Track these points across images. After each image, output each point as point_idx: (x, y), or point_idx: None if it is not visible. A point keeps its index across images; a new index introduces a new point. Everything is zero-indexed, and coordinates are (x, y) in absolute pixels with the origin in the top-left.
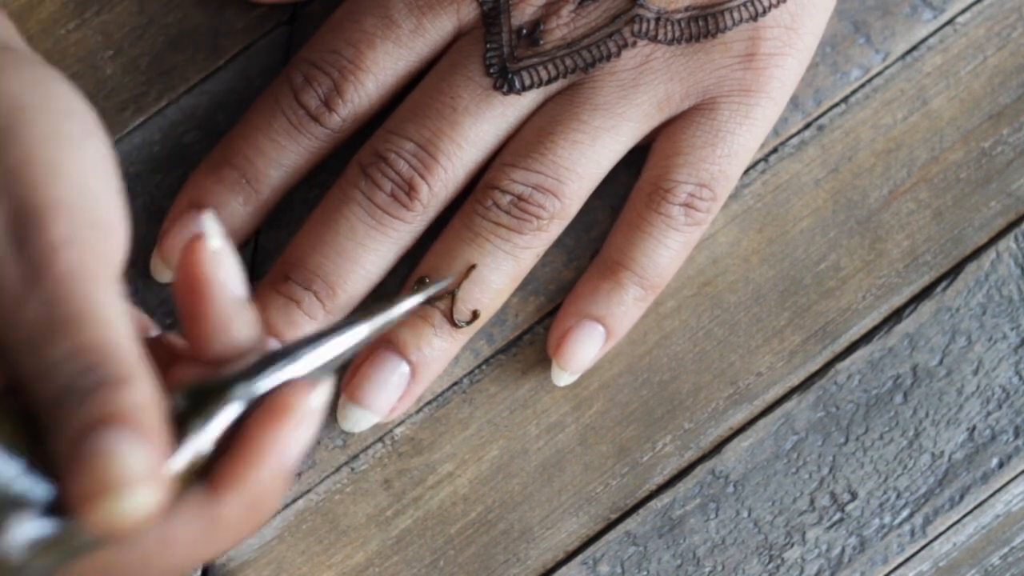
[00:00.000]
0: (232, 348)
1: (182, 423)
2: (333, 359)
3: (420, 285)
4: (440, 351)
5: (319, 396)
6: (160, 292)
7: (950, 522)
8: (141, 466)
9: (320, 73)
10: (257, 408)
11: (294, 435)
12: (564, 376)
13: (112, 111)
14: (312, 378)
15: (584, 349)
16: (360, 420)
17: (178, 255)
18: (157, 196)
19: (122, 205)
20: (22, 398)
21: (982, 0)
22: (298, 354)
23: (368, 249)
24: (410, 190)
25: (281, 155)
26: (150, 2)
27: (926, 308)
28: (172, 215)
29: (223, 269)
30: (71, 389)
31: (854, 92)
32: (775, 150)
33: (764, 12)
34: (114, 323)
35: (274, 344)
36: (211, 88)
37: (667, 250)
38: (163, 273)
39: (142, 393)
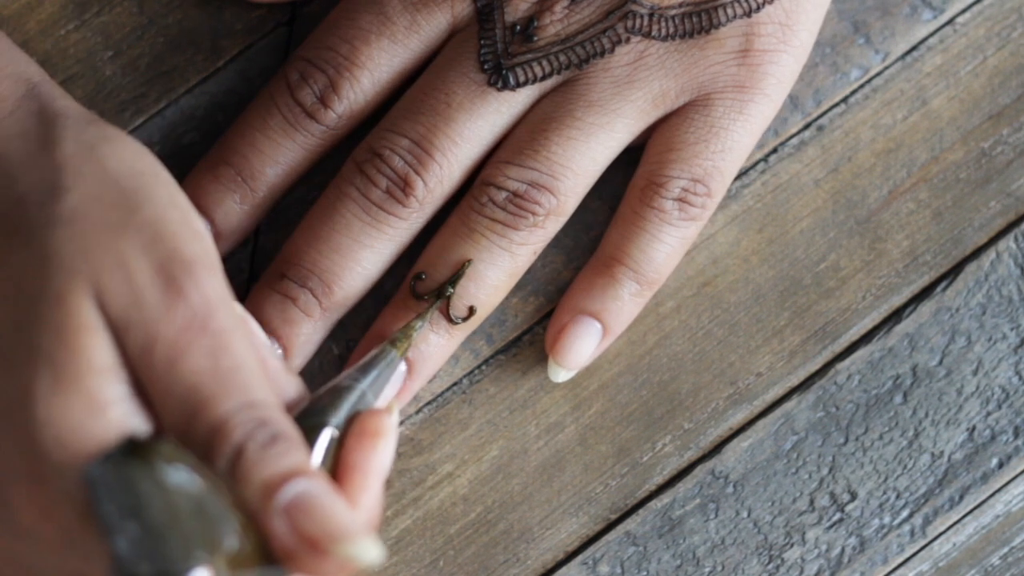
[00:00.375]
0: (288, 403)
1: None
2: (380, 386)
3: (418, 282)
4: (437, 348)
5: (395, 415)
6: None
7: (950, 522)
8: (348, 513)
9: (316, 70)
10: (344, 439)
11: (388, 450)
12: (561, 372)
13: (112, 112)
14: (373, 403)
15: (581, 345)
16: None
17: None
18: None
19: None
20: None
21: (982, 0)
22: (350, 388)
23: (364, 246)
24: (406, 186)
25: (278, 153)
26: (150, 3)
27: (926, 308)
28: None
29: (256, 328)
30: (252, 440)
31: (854, 92)
32: (775, 150)
33: (758, 8)
34: (263, 379)
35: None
36: (210, 89)
37: (662, 245)
38: None
39: (303, 446)
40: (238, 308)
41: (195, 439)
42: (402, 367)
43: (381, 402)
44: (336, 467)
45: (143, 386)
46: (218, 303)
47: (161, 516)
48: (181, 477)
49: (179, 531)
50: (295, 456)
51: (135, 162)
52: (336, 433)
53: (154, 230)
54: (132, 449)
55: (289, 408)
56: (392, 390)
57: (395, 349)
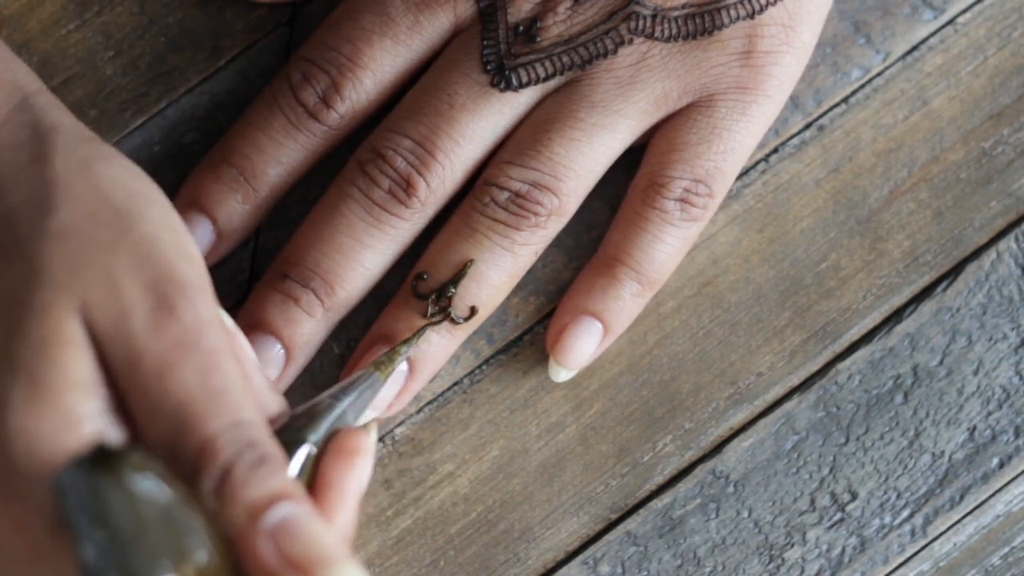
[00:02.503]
0: (270, 419)
1: None
2: (361, 407)
3: (420, 282)
4: (438, 348)
5: (374, 435)
6: None
7: (950, 522)
8: (333, 537)
9: (318, 71)
10: (322, 456)
11: (365, 469)
12: (562, 372)
13: (112, 112)
14: (352, 423)
15: (581, 345)
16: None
17: None
18: None
19: None
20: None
21: (983, 0)
22: (331, 407)
23: (366, 246)
24: (408, 187)
25: (280, 153)
26: (150, 3)
27: (926, 308)
28: None
29: (244, 343)
30: (240, 461)
31: (854, 92)
32: (775, 150)
33: (761, 10)
34: (251, 399)
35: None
36: (211, 89)
37: (664, 245)
38: None
39: (287, 467)
40: (229, 323)
41: (182, 457)
42: (403, 367)
43: (374, 409)
44: (312, 484)
45: (126, 403)
46: (209, 324)
47: (128, 524)
48: (150, 486)
49: (146, 540)
50: (281, 478)
51: (129, 182)
52: (313, 450)
53: (147, 249)
54: (101, 457)
55: (270, 424)
56: (393, 390)
57: (378, 372)
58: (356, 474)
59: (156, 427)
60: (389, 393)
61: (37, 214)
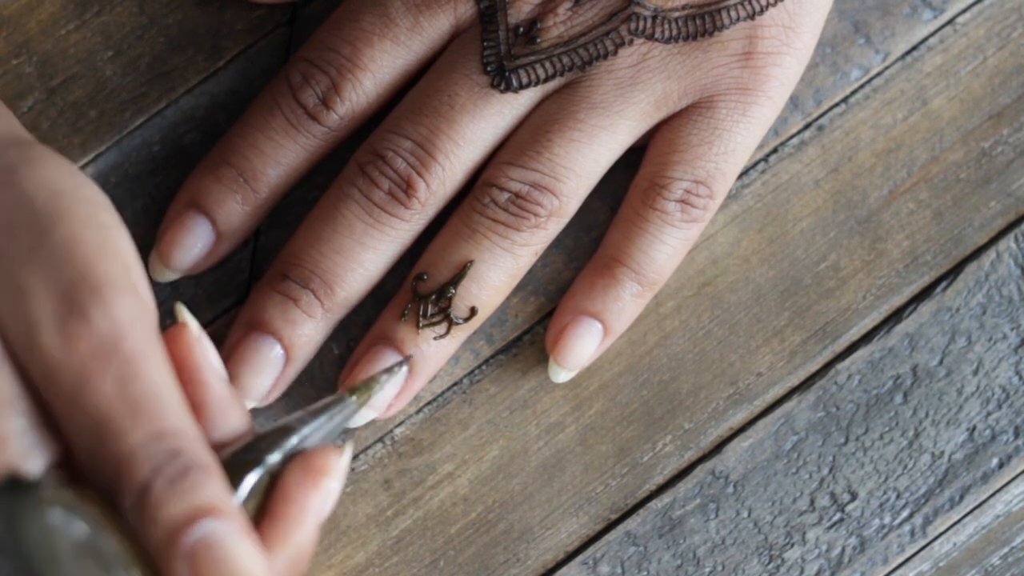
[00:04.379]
0: (229, 436)
1: None
2: (332, 431)
3: (419, 282)
4: (438, 348)
5: (347, 457)
6: (164, 297)
7: (950, 522)
8: (258, 563)
9: (318, 71)
10: (281, 475)
11: (331, 490)
12: (562, 373)
13: (112, 112)
14: (319, 445)
15: (581, 345)
16: (357, 416)
17: (176, 255)
18: (157, 197)
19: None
20: (76, 466)
21: (982, 0)
22: (296, 429)
23: (366, 247)
24: (408, 188)
25: (279, 154)
26: (150, 3)
27: (926, 308)
28: (170, 215)
29: (208, 353)
30: (160, 476)
31: (854, 92)
32: (775, 150)
33: (762, 11)
34: (181, 405)
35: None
36: (211, 89)
37: (664, 246)
38: (162, 273)
39: (220, 479)
40: (194, 328)
41: (103, 472)
42: (404, 369)
43: (374, 410)
44: (265, 508)
45: (53, 417)
46: (128, 326)
47: (38, 557)
48: (61, 519)
49: (56, 574)
50: (208, 490)
51: (56, 182)
52: (269, 472)
53: (64, 252)
54: (11, 488)
55: (230, 441)
56: (392, 391)
57: (353, 397)
58: (320, 493)
59: (79, 442)
60: (389, 394)
61: None
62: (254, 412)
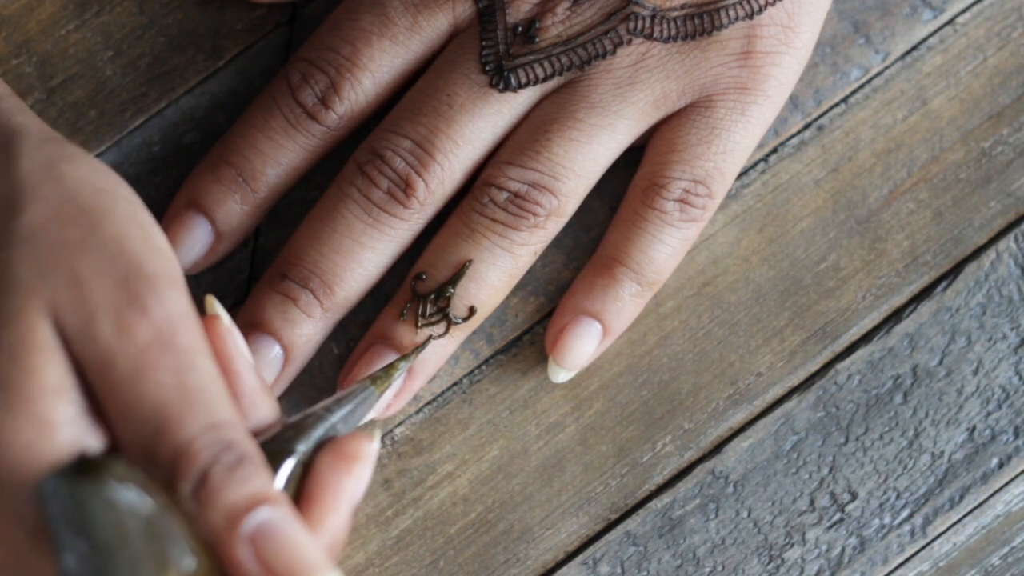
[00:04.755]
0: (261, 425)
1: None
2: (356, 420)
3: (418, 282)
4: (437, 348)
5: (376, 442)
6: None
7: (950, 522)
8: (315, 547)
9: (317, 71)
10: (314, 463)
11: (364, 476)
12: (561, 373)
13: (112, 112)
14: (347, 432)
15: (581, 345)
16: None
17: (182, 254)
18: (157, 197)
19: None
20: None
21: (982, 0)
22: (323, 418)
23: (365, 247)
24: (407, 188)
25: (279, 153)
26: (150, 3)
27: (926, 308)
28: (170, 214)
29: (239, 343)
30: (218, 464)
31: (854, 92)
32: (775, 150)
33: (760, 10)
34: (229, 398)
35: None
36: (211, 89)
37: (663, 246)
38: None
39: (267, 469)
40: (226, 320)
41: (159, 460)
42: (420, 353)
43: (372, 410)
44: (299, 495)
45: (102, 406)
46: (182, 320)
47: (109, 535)
48: (131, 497)
49: (127, 550)
50: (260, 481)
51: (95, 180)
52: (301, 461)
53: (115, 247)
54: (83, 467)
55: (261, 431)
56: (391, 391)
57: (374, 387)
58: (353, 480)
59: (132, 430)
60: (388, 394)
61: (4, 218)
62: None
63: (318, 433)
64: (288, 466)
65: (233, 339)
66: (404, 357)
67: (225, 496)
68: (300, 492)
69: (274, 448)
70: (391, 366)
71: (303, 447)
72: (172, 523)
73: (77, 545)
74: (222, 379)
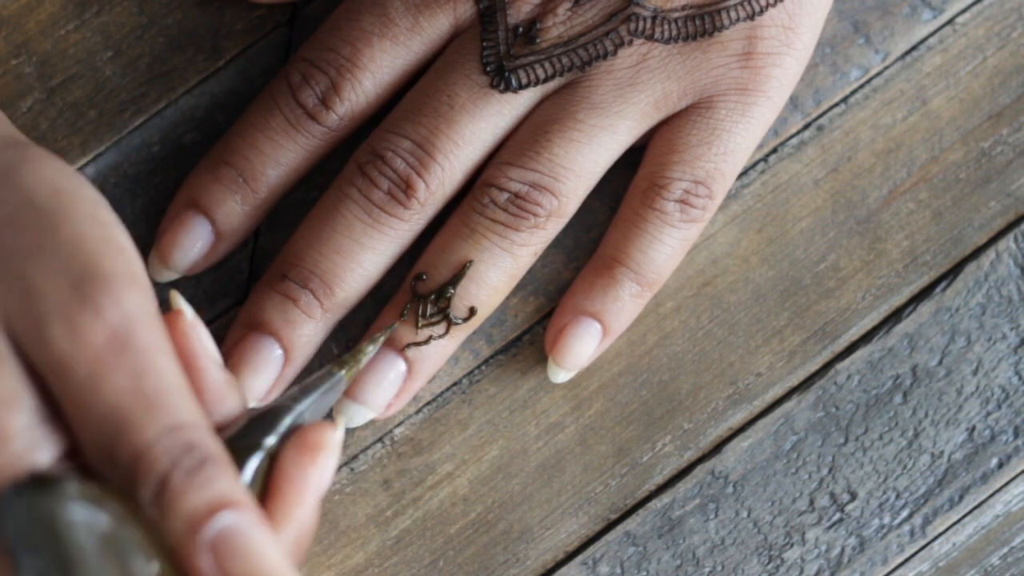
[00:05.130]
0: (226, 419)
1: None
2: (323, 407)
3: (419, 282)
4: (437, 348)
5: (341, 431)
6: (164, 298)
7: (950, 522)
8: (277, 553)
9: (317, 72)
10: (279, 455)
11: (328, 466)
12: (561, 373)
13: (111, 112)
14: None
15: (580, 346)
16: (356, 416)
17: (176, 255)
18: (156, 197)
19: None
20: (82, 460)
21: (982, 0)
22: (290, 408)
23: (366, 247)
24: (407, 188)
25: (279, 154)
26: (150, 3)
27: (925, 308)
28: (170, 215)
29: (203, 339)
30: (178, 468)
31: (854, 92)
32: (774, 150)
33: (761, 11)
34: (191, 397)
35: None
36: (210, 89)
37: (663, 246)
38: (161, 273)
39: (232, 469)
40: (188, 314)
41: (118, 465)
42: (401, 367)
43: (372, 410)
44: (267, 489)
45: (61, 411)
46: (140, 320)
47: (66, 553)
48: (86, 514)
49: (86, 567)
50: (223, 483)
51: (55, 181)
52: (269, 454)
53: (71, 248)
54: (37, 484)
55: (227, 425)
56: (391, 391)
57: (342, 371)
58: (318, 470)
59: (91, 435)
60: (388, 394)
61: None
62: None
63: (285, 424)
64: (255, 462)
65: (197, 334)
66: (372, 340)
67: (185, 502)
68: (265, 491)
69: (240, 444)
70: (358, 350)
71: (270, 440)
72: (131, 535)
73: (36, 563)
74: (184, 378)
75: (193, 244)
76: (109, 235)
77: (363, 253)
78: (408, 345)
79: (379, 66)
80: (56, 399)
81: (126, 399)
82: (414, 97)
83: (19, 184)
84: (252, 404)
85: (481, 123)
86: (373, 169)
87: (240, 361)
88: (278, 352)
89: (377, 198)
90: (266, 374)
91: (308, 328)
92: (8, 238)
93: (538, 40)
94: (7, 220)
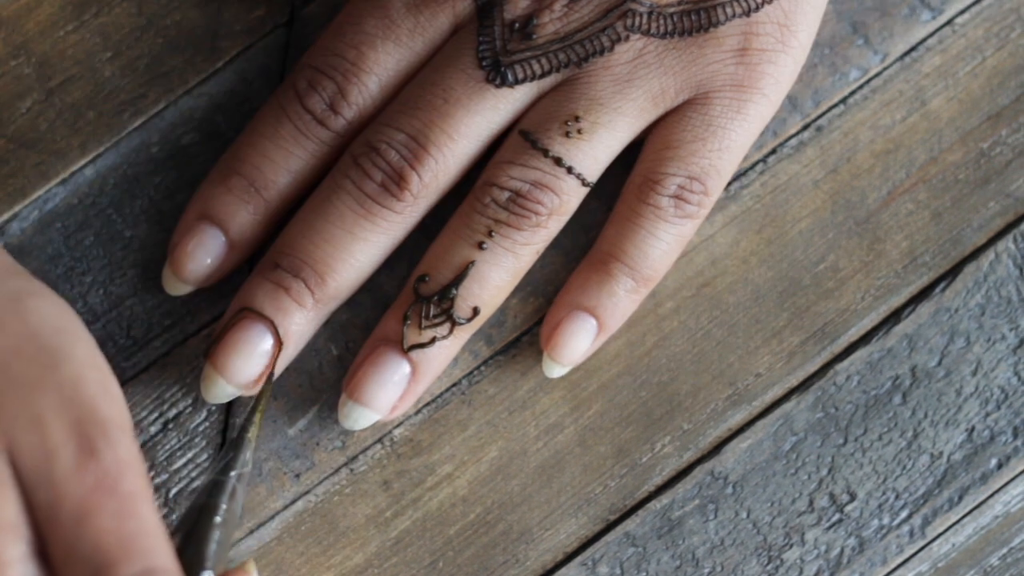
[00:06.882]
0: None
1: None
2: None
3: (421, 284)
4: (441, 349)
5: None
6: (163, 299)
7: (949, 523)
8: None
9: (324, 77)
10: None
11: None
12: (556, 368)
13: (110, 113)
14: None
15: (575, 340)
16: (360, 418)
17: (190, 267)
18: (156, 198)
19: None
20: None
21: (981, 1)
22: (214, 524)
23: (358, 238)
24: (400, 180)
25: (290, 161)
26: (149, 4)
27: (925, 309)
28: (182, 227)
29: None
30: None
31: (853, 93)
32: (774, 151)
33: (757, 8)
34: (168, 544)
35: None
36: (209, 90)
37: (658, 242)
38: (175, 286)
39: None
40: None
41: None
42: (406, 369)
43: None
44: None
45: (46, 545)
46: (128, 466)
47: None
48: None
49: None
50: None
51: (57, 319)
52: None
53: (72, 389)
54: None
55: None
56: (396, 393)
57: (248, 436)
58: None
59: (73, 572)
60: (393, 396)
61: None
62: (237, 402)
63: (214, 540)
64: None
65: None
66: (262, 394)
67: None
68: None
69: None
70: (253, 410)
71: (210, 562)
72: None
73: None
74: (162, 526)
75: (206, 256)
76: (105, 381)
77: (355, 244)
78: (412, 347)
79: (384, 68)
80: (43, 533)
81: (109, 540)
82: (410, 91)
83: (26, 318)
84: (239, 392)
85: (476, 117)
86: (367, 160)
87: (230, 346)
88: (268, 338)
89: (370, 189)
90: (256, 360)
91: (299, 317)
92: (14, 367)
93: (534, 36)
94: (14, 350)
